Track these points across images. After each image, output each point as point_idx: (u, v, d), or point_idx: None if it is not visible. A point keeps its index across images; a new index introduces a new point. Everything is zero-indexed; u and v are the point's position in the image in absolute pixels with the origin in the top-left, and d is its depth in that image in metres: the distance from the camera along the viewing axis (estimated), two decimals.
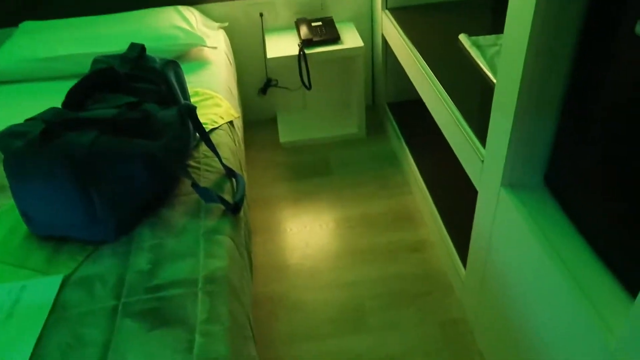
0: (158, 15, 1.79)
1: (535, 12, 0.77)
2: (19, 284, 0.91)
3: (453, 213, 1.52)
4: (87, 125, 1.00)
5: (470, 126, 1.16)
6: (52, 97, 1.30)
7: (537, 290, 0.90)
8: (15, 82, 1.67)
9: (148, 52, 1.24)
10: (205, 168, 1.18)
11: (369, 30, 2.13)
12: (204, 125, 1.25)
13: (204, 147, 1.24)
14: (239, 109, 1.62)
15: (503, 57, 0.90)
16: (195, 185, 1.05)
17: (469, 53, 1.45)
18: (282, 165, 2.01)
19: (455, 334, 1.33)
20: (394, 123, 2.00)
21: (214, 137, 1.29)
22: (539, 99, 0.87)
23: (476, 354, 1.28)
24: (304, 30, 1.92)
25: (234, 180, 1.19)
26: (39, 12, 1.88)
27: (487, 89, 1.26)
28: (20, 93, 1.62)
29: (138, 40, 1.42)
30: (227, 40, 1.98)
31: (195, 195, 1.09)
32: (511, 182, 0.98)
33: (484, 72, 1.34)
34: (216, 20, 2.00)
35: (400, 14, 1.79)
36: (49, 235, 1.02)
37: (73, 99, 1.10)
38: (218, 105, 1.46)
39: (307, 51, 1.86)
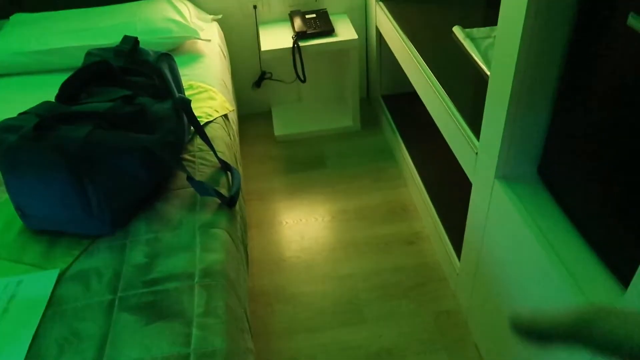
0: (151, 8, 1.77)
1: (528, 4, 0.77)
2: (15, 279, 0.91)
3: (447, 205, 1.53)
4: (81, 119, 1.00)
5: (464, 119, 1.17)
6: (45, 90, 1.29)
7: (530, 281, 0.91)
8: (6, 76, 1.65)
9: (141, 45, 1.23)
10: (200, 162, 1.18)
11: (363, 22, 2.13)
12: (198, 119, 1.25)
13: (199, 141, 1.24)
14: (233, 102, 1.62)
15: (497, 50, 0.91)
16: (190, 178, 1.05)
17: (463, 45, 1.45)
18: (277, 159, 2.01)
19: (449, 324, 1.34)
20: (389, 116, 2.00)
21: (208, 131, 1.29)
22: (533, 91, 0.88)
23: (470, 344, 1.29)
24: (298, 22, 1.92)
25: (229, 173, 1.19)
26: (30, 3, 1.86)
27: (481, 81, 1.27)
28: (12, 86, 1.61)
29: (131, 33, 1.41)
30: (221, 32, 1.97)
31: (191, 189, 1.09)
32: (505, 174, 0.99)
33: (478, 65, 1.34)
34: (210, 13, 1.99)
35: (394, 6, 1.79)
36: (44, 229, 1.01)
37: (67, 92, 1.09)
38: (212, 98, 1.46)
39: (301, 44, 1.86)
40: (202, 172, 1.15)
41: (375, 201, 1.76)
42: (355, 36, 1.89)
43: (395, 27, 1.67)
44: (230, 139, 1.36)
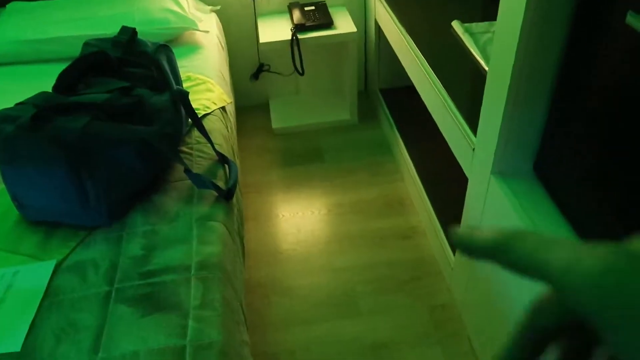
0: None
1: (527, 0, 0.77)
2: (11, 270, 0.91)
3: (444, 200, 1.54)
4: (79, 110, 0.99)
5: (462, 114, 1.17)
6: (42, 80, 1.28)
7: None
8: (3, 65, 1.64)
9: (139, 36, 1.22)
10: (197, 154, 1.18)
11: (362, 15, 2.12)
12: (196, 111, 1.25)
13: (196, 133, 1.24)
14: (231, 95, 1.61)
15: (495, 45, 0.91)
16: (188, 171, 1.05)
17: (462, 40, 1.45)
18: (274, 152, 2.01)
19: (444, 318, 1.35)
20: (386, 109, 2.00)
21: (206, 123, 1.28)
22: (530, 88, 0.88)
23: (464, 338, 1.30)
24: (296, 14, 1.91)
25: (226, 166, 1.19)
26: None
27: (479, 76, 1.26)
28: (8, 76, 1.60)
29: (128, 23, 1.40)
30: (219, 24, 1.96)
31: (188, 182, 1.09)
32: (501, 170, 1.00)
33: (477, 60, 1.34)
34: (208, 4, 1.98)
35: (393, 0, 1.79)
36: (40, 220, 1.01)
37: (64, 82, 1.09)
38: (210, 90, 1.45)
39: (300, 36, 1.85)
40: (200, 165, 1.15)
41: (371, 195, 1.76)
42: (354, 29, 1.88)
43: (394, 21, 1.66)
44: (228, 131, 1.36)
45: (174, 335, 0.78)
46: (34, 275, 0.90)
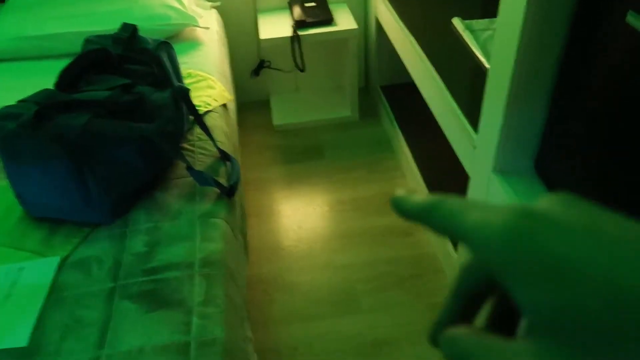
0: None
1: None
2: (16, 266, 0.92)
3: None
4: (80, 108, 1.00)
5: (463, 111, 1.17)
6: (43, 76, 1.28)
7: None
8: (3, 61, 1.64)
9: (139, 32, 1.22)
10: (199, 151, 1.19)
11: (362, 11, 2.12)
12: (197, 108, 1.25)
13: (198, 130, 1.24)
14: (232, 91, 1.62)
15: (496, 42, 0.91)
16: (190, 168, 1.06)
17: (462, 37, 1.45)
18: (275, 148, 2.01)
19: None
20: (387, 106, 2.00)
21: (207, 120, 1.29)
22: (531, 85, 0.88)
23: None
24: (297, 11, 1.91)
25: (228, 163, 1.19)
26: None
27: (479, 73, 1.27)
28: (9, 72, 1.60)
29: (128, 20, 1.40)
30: (220, 20, 1.96)
31: (190, 179, 1.09)
32: (502, 168, 1.00)
33: (477, 57, 1.34)
34: (208, 0, 1.97)
35: None
36: (44, 216, 1.02)
37: (65, 79, 1.09)
38: (211, 87, 1.46)
39: (300, 33, 1.85)
40: (202, 162, 1.16)
41: (372, 192, 1.77)
42: (355, 26, 1.88)
43: (394, 17, 1.66)
44: (229, 128, 1.36)
45: (178, 331, 0.79)
46: (39, 271, 0.90)
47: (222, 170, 1.15)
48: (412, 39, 1.51)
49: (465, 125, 1.14)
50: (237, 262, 1.01)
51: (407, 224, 1.63)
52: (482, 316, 0.25)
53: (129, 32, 1.20)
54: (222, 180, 1.11)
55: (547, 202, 0.20)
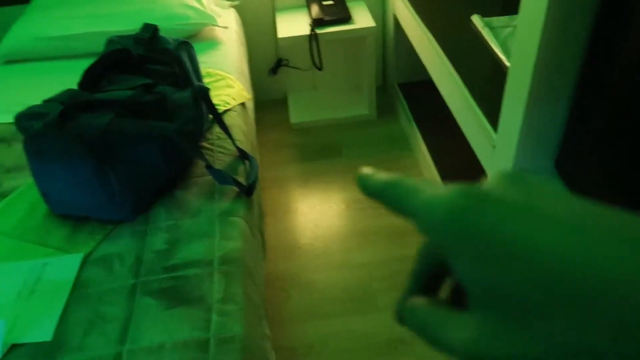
0: None
1: None
2: (40, 262, 0.94)
3: None
4: (103, 107, 1.02)
5: (482, 109, 1.16)
6: (67, 76, 1.31)
7: None
8: (28, 61, 1.68)
9: (158, 32, 1.24)
10: (218, 150, 1.20)
11: (380, 9, 2.11)
12: (216, 107, 1.26)
13: (217, 129, 1.26)
14: (250, 90, 1.63)
15: (517, 39, 0.90)
16: (209, 167, 1.07)
17: (482, 34, 1.44)
18: (292, 146, 2.02)
19: None
20: (405, 104, 2.00)
21: (226, 119, 1.30)
22: (553, 82, 0.87)
23: None
24: (315, 9, 1.91)
25: (246, 162, 1.20)
26: None
27: (499, 71, 1.26)
28: (33, 72, 1.64)
29: (148, 19, 1.42)
30: (239, 19, 1.97)
31: (209, 177, 1.10)
32: (522, 167, 0.99)
33: (497, 55, 1.33)
34: None
35: None
36: (68, 214, 1.04)
37: (88, 79, 1.11)
38: (230, 86, 1.47)
39: (318, 31, 1.85)
40: (221, 161, 1.17)
41: None
42: (373, 24, 1.88)
43: (413, 15, 1.65)
44: (248, 127, 1.37)
45: (198, 328, 0.80)
46: (63, 267, 0.93)
47: (241, 169, 1.17)
48: (430, 36, 1.50)
49: (484, 124, 1.13)
50: (255, 261, 1.02)
51: None
52: (445, 288, 0.26)
53: (150, 32, 1.21)
54: (241, 179, 1.12)
55: (492, 181, 0.21)
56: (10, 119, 1.21)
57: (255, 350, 0.81)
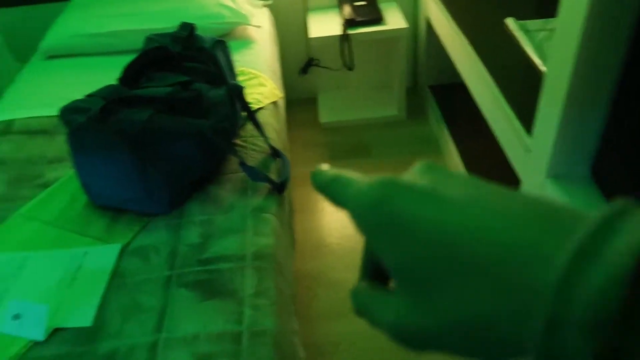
0: None
1: None
2: (81, 251, 0.98)
3: None
4: (142, 103, 1.05)
5: (516, 114, 1.15)
6: (106, 71, 1.35)
7: None
8: (68, 57, 1.74)
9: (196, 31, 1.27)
10: (251, 147, 1.22)
11: (412, 11, 2.10)
12: (249, 105, 1.28)
13: (250, 127, 1.28)
14: (281, 89, 1.65)
15: (554, 43, 0.89)
16: (242, 164, 1.09)
17: (516, 38, 1.42)
18: (321, 145, 2.04)
19: None
20: (435, 106, 1.99)
21: (259, 117, 1.32)
22: (591, 86, 0.86)
23: None
24: (347, 10, 1.92)
25: (278, 159, 1.22)
26: None
27: (534, 75, 1.24)
28: (74, 67, 1.69)
29: (184, 18, 1.45)
30: (272, 18, 1.99)
31: (242, 174, 1.13)
32: (557, 174, 0.98)
33: (532, 58, 1.31)
34: None
35: None
36: (107, 205, 1.08)
37: (128, 75, 1.15)
38: (262, 85, 1.49)
39: (349, 31, 1.86)
40: (253, 158, 1.19)
41: None
42: (405, 25, 1.87)
43: (446, 17, 1.65)
44: (279, 125, 1.39)
45: (231, 321, 0.82)
46: (102, 256, 0.96)
47: (273, 166, 1.18)
48: (463, 38, 1.49)
49: (517, 128, 1.12)
50: (286, 257, 1.03)
51: None
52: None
53: (188, 31, 1.24)
54: (273, 176, 1.14)
55: (409, 172, 0.23)
56: (52, 112, 1.26)
57: (286, 345, 0.83)
